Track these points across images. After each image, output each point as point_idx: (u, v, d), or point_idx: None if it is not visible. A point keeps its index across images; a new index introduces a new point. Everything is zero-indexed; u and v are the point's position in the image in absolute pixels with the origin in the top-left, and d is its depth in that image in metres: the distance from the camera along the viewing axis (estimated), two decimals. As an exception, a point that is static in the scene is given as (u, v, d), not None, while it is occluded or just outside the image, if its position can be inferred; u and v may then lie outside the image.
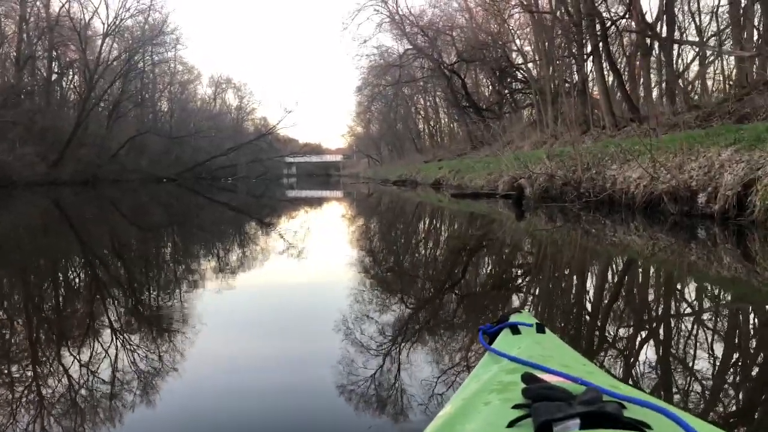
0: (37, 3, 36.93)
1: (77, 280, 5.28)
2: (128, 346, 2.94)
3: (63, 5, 38.08)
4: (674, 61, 17.45)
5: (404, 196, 21.21)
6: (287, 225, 11.11)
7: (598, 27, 16.80)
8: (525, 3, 24.64)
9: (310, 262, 5.95)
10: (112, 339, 3.06)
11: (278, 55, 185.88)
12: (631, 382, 2.24)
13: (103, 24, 40.97)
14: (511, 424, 0.95)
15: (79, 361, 2.71)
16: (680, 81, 17.63)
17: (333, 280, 4.99)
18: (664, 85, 24.46)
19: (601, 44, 16.58)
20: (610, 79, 19.93)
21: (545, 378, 1.14)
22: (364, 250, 7.03)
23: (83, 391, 2.36)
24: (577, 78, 21.67)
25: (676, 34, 17.84)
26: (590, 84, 21.64)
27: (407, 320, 3.48)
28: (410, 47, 37.07)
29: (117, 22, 40.41)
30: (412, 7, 37.86)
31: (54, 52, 40.15)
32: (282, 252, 6.71)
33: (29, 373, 2.60)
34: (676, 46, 17.67)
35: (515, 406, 1.02)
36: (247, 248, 7.42)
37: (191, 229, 10.18)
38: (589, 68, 20.31)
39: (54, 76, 41.53)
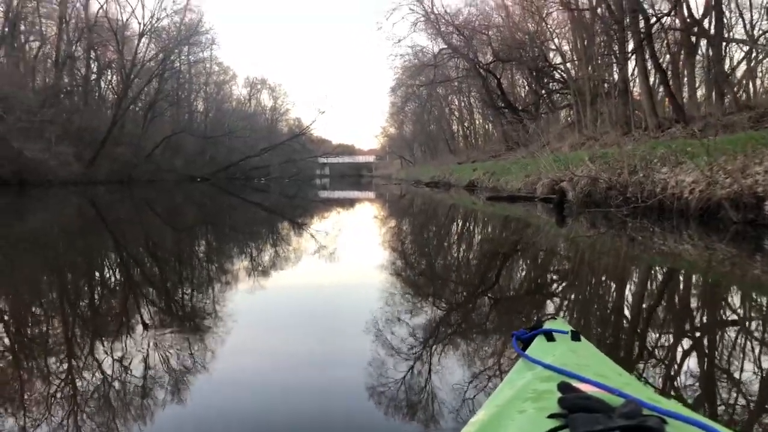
0: (77, 4, 37.72)
1: (112, 279, 5.33)
2: (160, 344, 2.97)
3: (101, 6, 38.86)
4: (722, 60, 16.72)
5: (437, 198, 20.93)
6: (319, 226, 11.16)
7: (641, 24, 16.22)
8: (563, 0, 24.09)
9: (341, 263, 5.99)
10: (144, 336, 3.10)
11: (313, 56, 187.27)
12: (668, 397, 2.07)
13: (140, 24, 41.61)
14: None
15: (113, 357, 2.75)
16: (728, 80, 16.91)
17: (364, 281, 5.00)
18: (710, 84, 23.75)
19: (644, 42, 16.00)
20: (653, 78, 19.34)
21: (581, 388, 1.12)
22: (396, 252, 7.02)
23: (117, 386, 2.40)
24: (617, 77, 21.05)
25: (724, 32, 17.10)
26: (631, 84, 21.04)
27: (438, 323, 3.46)
28: (445, 47, 36.68)
29: (153, 22, 41.07)
30: (447, 6, 37.82)
31: (93, 53, 40.98)
32: (313, 252, 6.76)
33: (64, 368, 2.63)
34: (724, 44, 16.94)
35: (551, 416, 1.00)
36: (279, 249, 7.45)
37: (224, 229, 10.26)
38: (630, 67, 19.73)
39: (93, 77, 42.41)
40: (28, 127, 28.33)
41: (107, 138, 35.29)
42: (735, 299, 4.28)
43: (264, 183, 46.60)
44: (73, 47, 37.75)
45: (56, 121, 31.44)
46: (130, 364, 2.65)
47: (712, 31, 16.15)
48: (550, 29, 32.05)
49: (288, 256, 6.70)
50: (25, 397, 2.32)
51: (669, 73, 18.33)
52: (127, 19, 42.03)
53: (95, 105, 41.48)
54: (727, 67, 17.71)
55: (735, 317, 3.72)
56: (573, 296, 4.45)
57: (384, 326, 3.29)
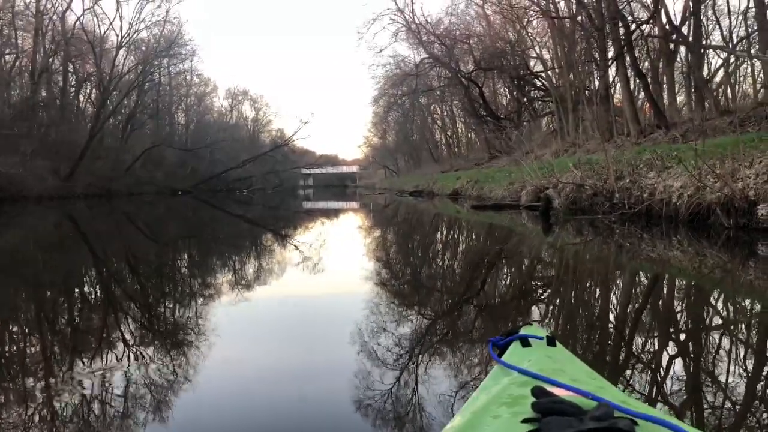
0: (54, 16, 37.23)
1: (91, 295, 5.25)
2: (142, 360, 2.95)
3: (78, 18, 38.35)
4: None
5: (421, 207, 20.88)
6: (303, 237, 11.10)
7: (621, 31, 16.36)
8: (544, 9, 24.29)
9: (325, 275, 5.99)
10: (125, 352, 3.06)
11: (294, 67, 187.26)
12: (642, 399, 2.20)
13: (117, 36, 41.09)
14: None
15: (93, 375, 2.71)
16: (708, 86, 17.07)
17: (347, 292, 5.03)
18: (690, 90, 24.03)
19: (625, 49, 16.13)
20: (633, 85, 19.50)
21: (556, 392, 1.14)
22: (379, 263, 7.01)
23: (97, 406, 2.37)
24: (598, 84, 21.23)
25: (703, 39, 17.28)
26: (612, 90, 21.21)
27: (418, 331, 3.52)
28: (427, 56, 36.81)
29: (131, 34, 40.67)
30: (428, 16, 37.74)
31: (72, 66, 40.48)
32: (297, 264, 6.75)
33: (42, 386, 2.60)
34: (702, 51, 17.13)
35: (525, 420, 1.01)
36: (263, 261, 7.42)
37: (206, 242, 10.21)
38: (611, 74, 19.88)
39: (72, 90, 41.86)
40: (1, 142, 27.73)
41: (85, 152, 34.70)
42: (718, 304, 4.27)
43: (246, 195, 46.26)
44: (50, 60, 37.22)
45: (32, 135, 30.87)
46: (110, 381, 2.61)
47: (691, 38, 16.31)
48: (531, 37, 32.34)
49: (271, 268, 6.66)
50: (3, 416, 2.27)
51: (649, 79, 18.48)
52: (105, 32, 41.63)
53: (73, 118, 40.86)
54: (705, 72, 17.90)
55: (715, 323, 3.72)
56: (556, 302, 4.48)
57: (367, 336, 3.31)
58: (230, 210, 22.74)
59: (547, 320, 3.77)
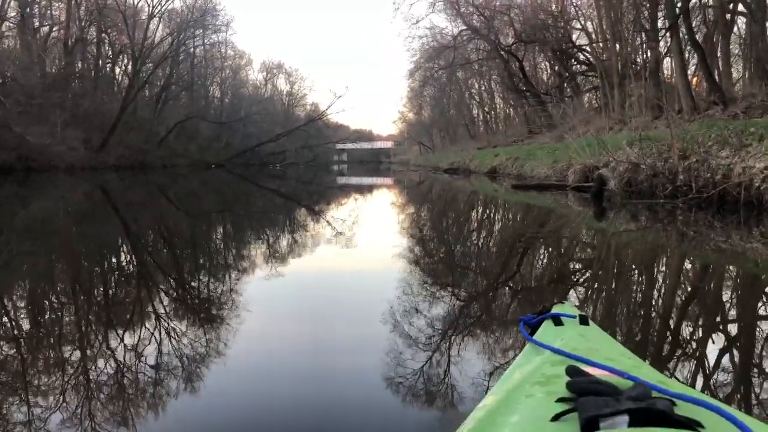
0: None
1: (123, 267, 5.19)
2: (174, 332, 2.97)
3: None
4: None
5: (456, 185, 20.31)
6: (336, 212, 10.92)
7: (676, -1, 15.32)
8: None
9: (358, 251, 5.94)
10: (154, 324, 3.09)
11: (329, 41, 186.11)
12: (680, 380, 2.15)
13: (148, 5, 40.93)
14: (555, 418, 0.94)
15: (126, 345, 2.74)
16: None
17: (380, 268, 5.00)
18: (747, 64, 22.69)
19: (680, 18, 15.11)
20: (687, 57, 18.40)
21: (590, 371, 1.13)
22: (412, 241, 6.86)
23: (129, 375, 2.40)
24: (648, 57, 20.14)
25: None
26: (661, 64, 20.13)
27: (449, 309, 3.48)
28: (465, 28, 35.76)
29: (163, 3, 40.52)
30: (468, -15, 36.25)
31: (106, 37, 40.61)
32: (329, 240, 6.66)
33: (76, 358, 2.61)
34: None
35: (559, 400, 1.01)
36: (295, 236, 7.35)
37: (240, 216, 10.15)
38: (664, 46, 18.80)
39: (108, 62, 42.07)
40: (30, 111, 27.87)
41: (117, 123, 34.91)
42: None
43: (279, 169, 46.20)
44: (84, 31, 37.35)
45: (64, 106, 31.01)
46: (143, 353, 2.63)
47: (753, 5, 15.17)
48: (576, 7, 30.98)
49: (304, 243, 6.62)
50: (39, 385, 2.30)
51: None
52: (138, 2, 41.55)
53: (107, 89, 41.09)
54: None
55: (755, 309, 3.54)
56: (595, 286, 4.34)
57: (399, 313, 3.29)
58: (263, 184, 22.67)
59: (586, 303, 3.65)
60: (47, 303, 3.81)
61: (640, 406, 0.89)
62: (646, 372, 1.22)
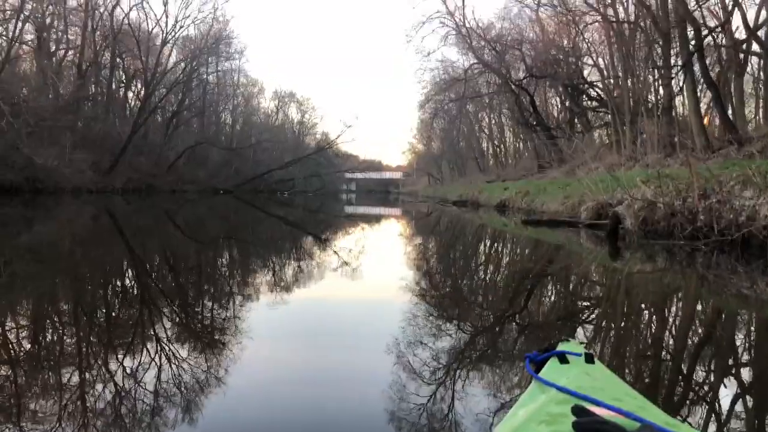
0: (103, 12, 37.83)
1: (125, 293, 5.09)
2: (175, 358, 2.94)
3: (125, 14, 38.92)
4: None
5: (465, 217, 20.04)
6: (342, 242, 10.84)
7: (690, 35, 15.23)
8: (603, 13, 23.20)
9: (363, 282, 5.90)
10: (156, 350, 3.06)
11: (341, 71, 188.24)
12: (688, 422, 2.12)
13: (162, 31, 41.52)
14: None
15: (127, 371, 2.71)
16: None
17: (385, 301, 4.94)
18: (758, 103, 22.54)
19: (695, 56, 15.01)
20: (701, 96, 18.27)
21: (596, 411, 1.13)
22: (418, 274, 6.70)
23: (130, 401, 2.38)
24: (662, 94, 20.04)
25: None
26: (673, 102, 19.99)
27: (454, 344, 3.41)
28: (476, 62, 35.91)
29: (176, 30, 41.08)
30: (479, 20, 36.67)
31: (121, 62, 41.14)
32: (334, 269, 6.56)
33: (76, 382, 2.58)
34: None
35: None
36: (300, 264, 7.26)
37: (246, 243, 10.10)
38: (676, 84, 18.69)
39: (121, 86, 42.54)
40: (40, 133, 28.00)
41: (127, 146, 35.07)
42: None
43: (287, 196, 46.11)
44: (99, 55, 37.85)
45: (74, 128, 31.19)
46: (144, 379, 2.61)
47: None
48: (588, 43, 31.04)
49: (309, 271, 6.48)
50: (37, 409, 2.28)
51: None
52: (152, 28, 42.19)
53: (120, 113, 41.41)
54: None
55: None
56: (603, 324, 4.24)
57: (403, 345, 3.25)
58: (271, 211, 22.60)
59: (593, 342, 3.57)
60: (46, 328, 3.74)
61: None
62: (652, 413, 1.23)
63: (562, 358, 1.65)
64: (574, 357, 1.65)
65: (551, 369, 1.60)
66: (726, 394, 2.64)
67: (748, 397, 2.64)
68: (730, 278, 6.17)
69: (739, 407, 2.49)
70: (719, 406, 2.49)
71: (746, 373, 3.06)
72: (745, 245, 7.34)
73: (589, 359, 1.64)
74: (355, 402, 2.51)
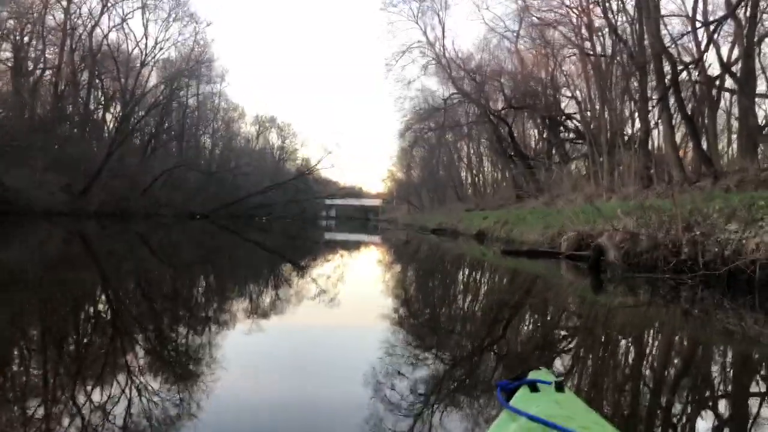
0: (83, 32, 37.47)
1: (95, 321, 4.87)
2: (144, 390, 2.83)
3: (105, 35, 38.61)
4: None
5: (444, 247, 19.90)
6: (320, 269, 10.61)
7: (666, 69, 15.45)
8: (580, 46, 23.57)
9: (339, 310, 5.83)
10: (127, 382, 2.96)
11: (322, 98, 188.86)
12: None
13: (142, 53, 41.26)
14: None
15: (95, 404, 2.61)
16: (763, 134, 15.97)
17: (360, 328, 4.94)
18: (730, 138, 22.97)
19: (671, 90, 15.21)
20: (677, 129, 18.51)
21: None
22: (396, 304, 6.53)
23: None
24: (638, 127, 20.28)
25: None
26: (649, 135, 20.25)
27: (426, 372, 3.41)
28: (455, 92, 36.25)
29: (156, 51, 40.88)
30: (459, 51, 37.07)
31: (100, 83, 40.68)
32: (311, 298, 6.45)
33: (41, 415, 2.48)
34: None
35: None
36: (277, 293, 7.06)
37: (221, 269, 9.88)
38: (653, 117, 18.94)
39: (100, 107, 41.99)
40: (13, 153, 27.21)
41: (102, 169, 34.37)
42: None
43: (265, 222, 45.62)
44: (79, 75, 37.38)
45: (48, 149, 30.50)
46: (114, 411, 2.53)
47: (743, 83, 15.33)
48: (566, 75, 31.52)
49: (286, 300, 6.27)
50: None
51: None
52: (132, 50, 41.86)
53: (97, 135, 40.74)
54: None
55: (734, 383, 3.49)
56: (580, 355, 4.21)
57: (381, 375, 3.23)
58: (248, 237, 22.22)
59: (567, 371, 3.54)
60: (9, 359, 3.51)
61: None
62: None
63: (533, 387, 1.65)
64: (545, 385, 1.65)
65: (522, 397, 1.61)
66: (696, 424, 2.69)
67: (718, 426, 2.67)
68: (715, 313, 6.01)
69: (676, 421, 2.59)
70: (663, 422, 2.58)
71: (720, 405, 3.07)
72: (732, 280, 7.07)
73: (560, 388, 1.64)
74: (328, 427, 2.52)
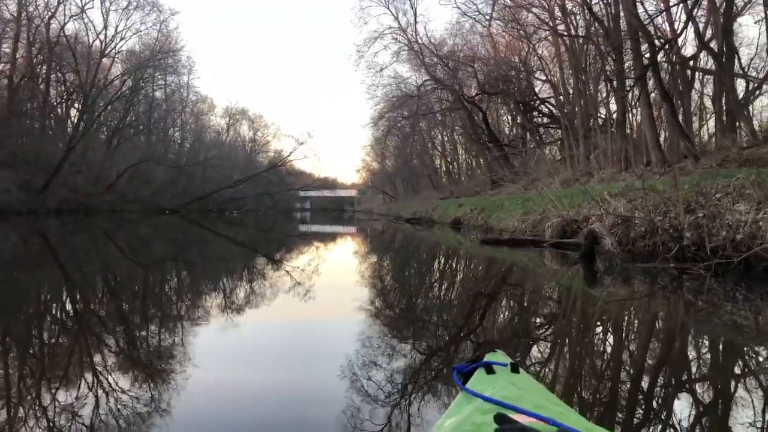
0: (40, 24, 35.87)
1: (61, 320, 4.70)
2: (115, 393, 2.73)
3: (62, 26, 37.03)
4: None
5: (419, 236, 19.36)
6: (294, 262, 10.25)
7: (644, 48, 15.10)
8: (554, 27, 23.18)
9: (314, 303, 5.69)
10: (95, 382, 2.87)
11: (294, 88, 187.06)
12: (605, 423, 2.21)
13: (101, 43, 39.83)
14: None
15: (61, 405, 2.53)
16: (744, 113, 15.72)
17: (336, 321, 4.87)
18: (702, 117, 22.86)
19: (649, 70, 14.86)
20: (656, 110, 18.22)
21: (518, 419, 1.16)
22: (371, 294, 6.35)
23: None
24: (616, 109, 19.99)
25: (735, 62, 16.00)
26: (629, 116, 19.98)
27: (398, 361, 3.37)
28: (429, 78, 35.73)
29: (117, 42, 39.56)
30: (432, 36, 36.36)
31: (62, 76, 39.19)
32: (283, 290, 6.27)
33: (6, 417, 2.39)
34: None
35: None
36: (249, 286, 6.84)
37: (192, 264, 9.59)
38: (629, 99, 18.62)
39: (60, 100, 40.46)
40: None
41: (62, 164, 33.04)
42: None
43: (237, 215, 44.68)
44: (37, 68, 35.85)
45: (2, 144, 29.14)
46: (82, 412, 2.45)
47: (711, 63, 15.07)
48: (540, 59, 31.17)
49: (257, 294, 6.16)
50: None
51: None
52: (93, 41, 40.38)
53: (60, 130, 39.26)
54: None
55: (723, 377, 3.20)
56: (559, 342, 4.07)
57: (357, 365, 3.21)
58: (219, 231, 21.56)
59: (549, 362, 3.47)
60: None
61: None
62: (572, 418, 1.28)
63: (489, 369, 1.69)
64: (501, 367, 1.70)
65: (478, 379, 1.65)
66: (656, 410, 2.65)
67: (672, 406, 2.64)
68: (724, 305, 5.32)
69: (655, 405, 2.62)
70: (635, 407, 2.61)
71: (688, 393, 2.91)
72: (747, 268, 6.31)
73: (515, 369, 1.68)
74: (297, 417, 2.51)
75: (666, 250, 7.20)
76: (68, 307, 5.32)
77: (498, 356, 1.83)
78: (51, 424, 2.36)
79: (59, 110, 40.86)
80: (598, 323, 4.78)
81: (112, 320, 4.54)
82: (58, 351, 3.61)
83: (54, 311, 5.13)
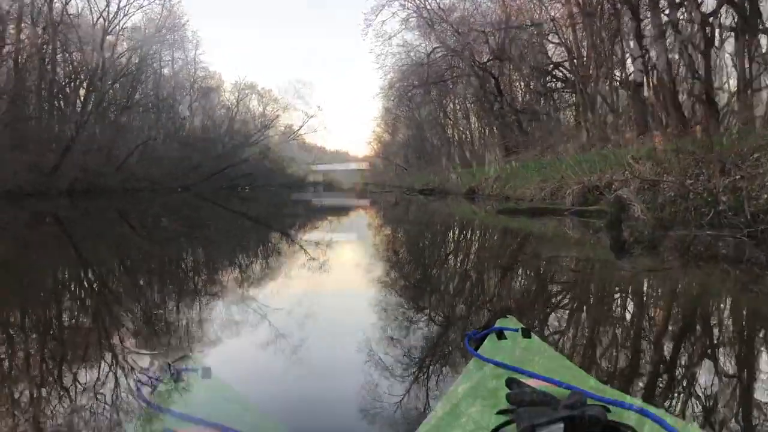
0: (44, 3, 35.38)
1: (78, 300, 4.59)
2: (132, 372, 2.60)
3: (65, 4, 36.49)
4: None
5: (432, 207, 19.10)
6: (309, 236, 10.35)
7: (663, 3, 14.52)
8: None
9: (329, 277, 5.64)
10: (114, 361, 2.79)
11: (304, 62, 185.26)
12: (618, 386, 2.06)
13: (104, 20, 39.42)
14: (495, 430, 0.97)
15: (84, 384, 2.43)
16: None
17: (353, 294, 4.77)
18: (737, 75, 22.15)
19: (669, 27, 14.30)
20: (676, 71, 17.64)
21: (529, 383, 1.16)
22: (385, 267, 6.30)
23: (84, 417, 2.16)
24: (633, 70, 19.41)
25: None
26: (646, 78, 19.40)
27: (399, 326, 3.45)
28: (438, 45, 35.04)
29: (120, 18, 39.16)
30: (441, 2, 35.52)
31: (68, 56, 38.87)
32: (298, 266, 6.25)
33: (27, 400, 2.30)
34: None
35: (500, 412, 1.04)
36: (263, 262, 6.84)
37: (206, 241, 9.55)
38: (647, 59, 18.03)
39: (67, 81, 40.19)
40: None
41: (71, 144, 32.89)
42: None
43: (248, 191, 44.60)
44: (43, 48, 35.50)
45: (10, 126, 28.96)
46: (104, 390, 2.37)
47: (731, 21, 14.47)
48: (553, 19, 30.35)
49: (274, 268, 6.21)
50: None
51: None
52: (96, 19, 39.92)
53: (67, 110, 39.03)
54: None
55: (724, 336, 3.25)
56: (573, 308, 4.05)
57: (371, 341, 3.10)
58: (232, 208, 21.44)
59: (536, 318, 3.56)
60: None
61: (575, 413, 0.90)
62: (583, 381, 1.30)
63: (500, 335, 1.70)
64: (512, 332, 1.70)
65: (489, 345, 1.65)
66: (654, 357, 2.71)
67: (688, 372, 2.59)
68: (766, 274, 4.98)
69: (663, 368, 2.58)
70: (648, 369, 2.56)
71: (691, 352, 2.92)
72: None
73: (526, 334, 1.68)
74: (310, 394, 2.43)
75: (699, 216, 6.76)
76: (93, 284, 5.28)
77: (509, 322, 1.84)
78: (73, 401, 2.31)
79: (67, 90, 40.57)
80: (624, 293, 4.61)
81: (132, 298, 4.51)
82: (74, 327, 3.60)
83: (74, 290, 5.09)
